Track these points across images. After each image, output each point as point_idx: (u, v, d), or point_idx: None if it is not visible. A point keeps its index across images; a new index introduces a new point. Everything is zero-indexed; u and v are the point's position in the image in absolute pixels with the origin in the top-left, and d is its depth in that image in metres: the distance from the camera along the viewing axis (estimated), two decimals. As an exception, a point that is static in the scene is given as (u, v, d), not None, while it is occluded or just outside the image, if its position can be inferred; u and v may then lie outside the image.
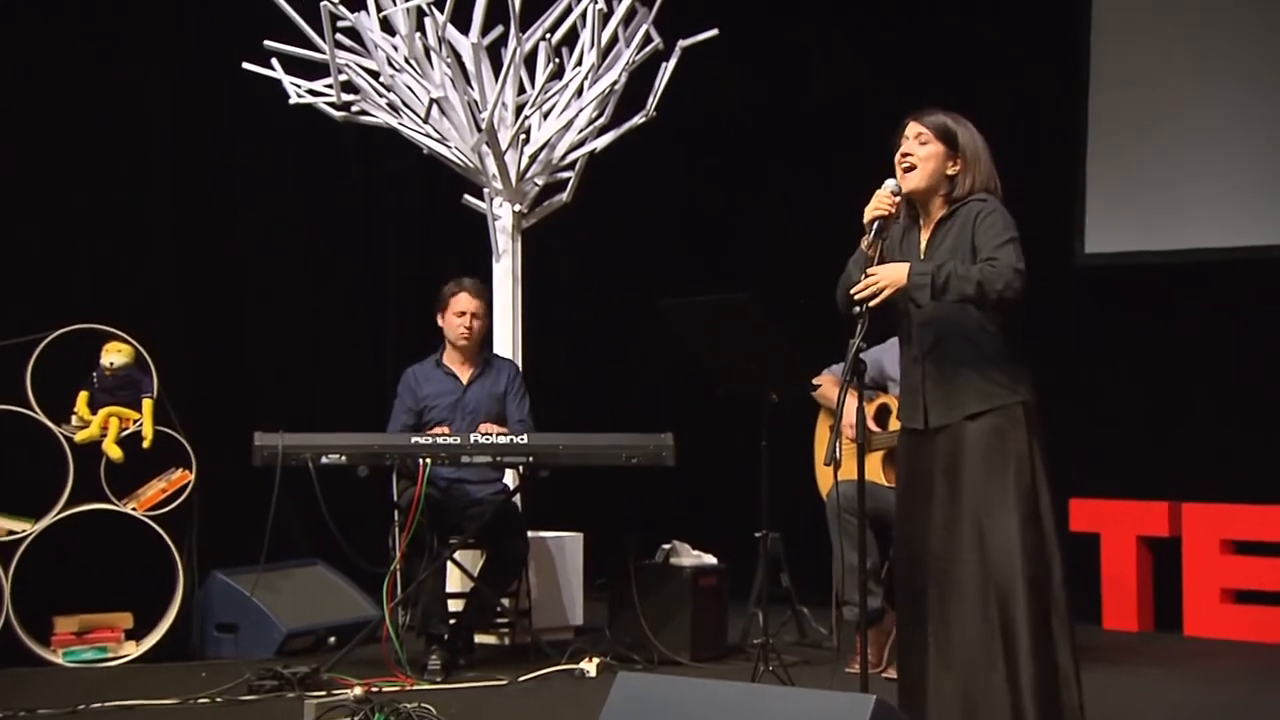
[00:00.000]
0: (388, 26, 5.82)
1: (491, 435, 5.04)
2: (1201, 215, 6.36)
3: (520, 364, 5.84)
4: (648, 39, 5.92)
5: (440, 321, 5.51)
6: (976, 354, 3.58)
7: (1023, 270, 3.48)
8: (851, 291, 3.54)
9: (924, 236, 3.69)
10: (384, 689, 4.68)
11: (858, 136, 6.47)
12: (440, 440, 5.00)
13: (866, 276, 3.53)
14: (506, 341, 5.94)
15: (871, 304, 3.52)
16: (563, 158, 6.02)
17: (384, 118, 5.88)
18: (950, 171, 3.64)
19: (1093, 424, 6.46)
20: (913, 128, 3.66)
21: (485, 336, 5.62)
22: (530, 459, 5.03)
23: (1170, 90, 6.43)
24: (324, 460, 4.87)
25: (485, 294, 5.55)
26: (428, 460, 4.92)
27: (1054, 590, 3.49)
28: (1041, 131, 6.52)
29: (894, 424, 5.08)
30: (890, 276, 3.53)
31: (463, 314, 5.45)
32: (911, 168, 3.63)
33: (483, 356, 5.55)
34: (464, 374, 5.51)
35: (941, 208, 3.66)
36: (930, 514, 3.55)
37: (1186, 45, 6.40)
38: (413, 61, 5.79)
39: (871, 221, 3.59)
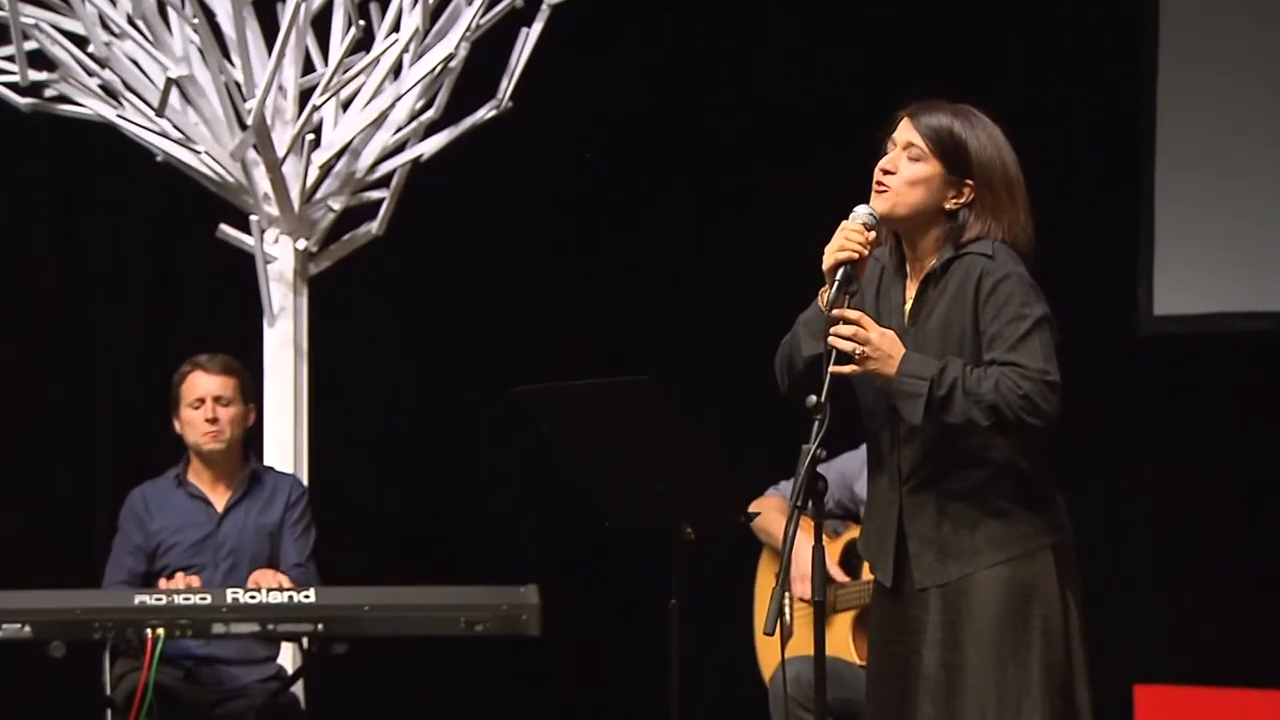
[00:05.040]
0: (103, -29, 5.84)
1: (261, 591, 5.01)
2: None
3: (305, 479, 5.82)
4: (500, -8, 6.00)
5: (177, 426, 5.52)
6: (985, 475, 3.63)
7: (1056, 381, 3.55)
8: (829, 332, 3.56)
9: (911, 294, 3.75)
10: None
11: (819, 144, 6.57)
12: (181, 599, 4.95)
13: (846, 324, 3.56)
14: (284, 446, 5.92)
15: (843, 371, 3.55)
16: (371, 169, 6.04)
17: (95, 107, 5.86)
18: (950, 205, 3.70)
19: (1165, 572, 6.54)
20: (906, 132, 3.71)
21: (249, 440, 5.62)
22: (319, 627, 4.97)
23: (1267, 94, 6.64)
24: (-2, 632, 4.82)
25: (238, 371, 5.56)
26: (159, 631, 4.85)
27: None
28: (1091, 150, 6.67)
29: (869, 571, 5.10)
30: (886, 347, 3.58)
31: (200, 402, 5.45)
32: (884, 191, 3.68)
33: (247, 470, 5.55)
34: (218, 497, 5.51)
35: (935, 251, 3.72)
36: (915, 711, 3.59)
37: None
38: (140, 23, 5.79)
39: (835, 267, 3.64)
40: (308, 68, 5.99)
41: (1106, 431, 6.37)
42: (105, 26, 5.80)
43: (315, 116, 5.85)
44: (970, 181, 3.69)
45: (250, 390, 5.64)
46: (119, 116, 5.85)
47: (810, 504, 3.57)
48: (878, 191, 3.69)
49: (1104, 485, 6.41)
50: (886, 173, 3.69)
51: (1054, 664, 3.57)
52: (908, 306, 3.74)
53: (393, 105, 5.95)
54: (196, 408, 5.45)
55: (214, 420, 5.45)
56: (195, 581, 5.25)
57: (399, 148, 6.05)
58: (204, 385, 5.45)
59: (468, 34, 5.92)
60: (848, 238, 3.64)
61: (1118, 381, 6.49)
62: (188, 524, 5.46)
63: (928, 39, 6.97)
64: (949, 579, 3.63)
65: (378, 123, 5.96)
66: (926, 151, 3.68)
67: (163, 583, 5.28)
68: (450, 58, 5.91)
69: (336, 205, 6.04)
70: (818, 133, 6.81)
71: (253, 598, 4.96)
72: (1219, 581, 6.53)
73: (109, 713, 5.15)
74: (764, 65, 7.31)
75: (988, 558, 3.61)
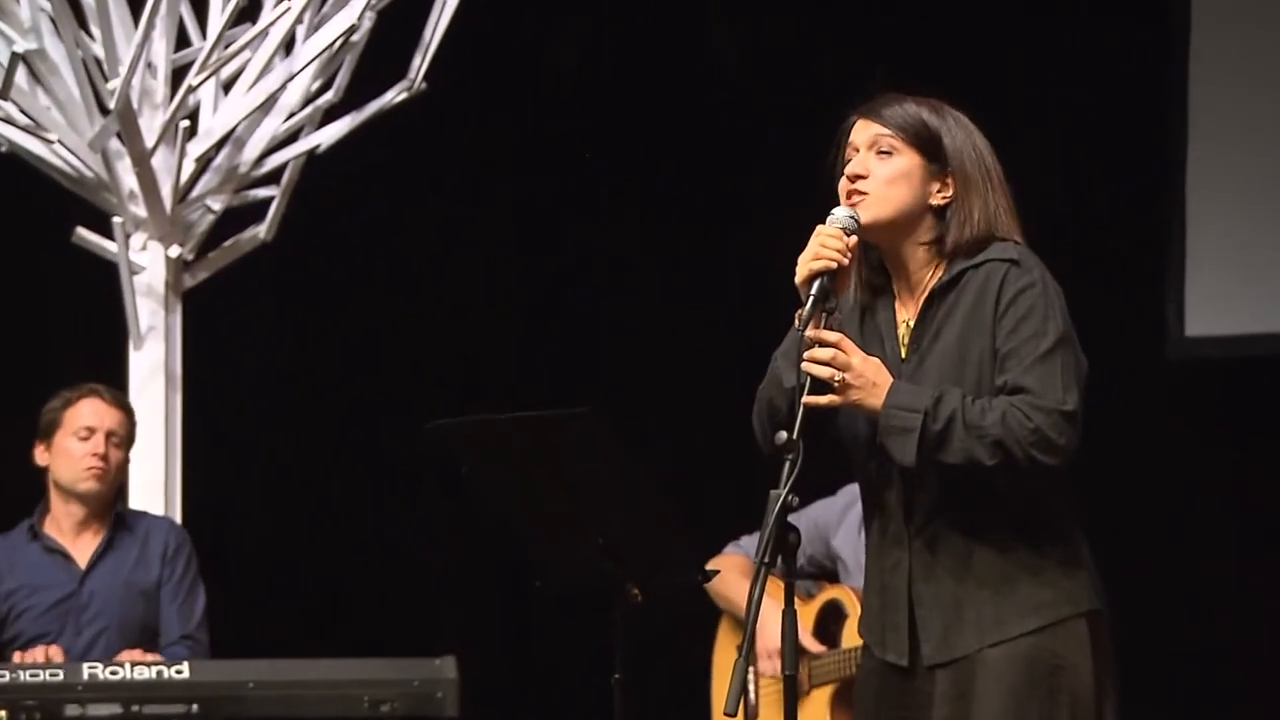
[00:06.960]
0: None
1: (125, 665, 5.02)
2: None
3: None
4: (410, -47, 6.02)
5: (42, 458, 5.54)
6: (1008, 533, 3.63)
7: (1073, 412, 3.55)
8: (803, 357, 3.55)
9: (903, 318, 3.75)
10: None
11: (804, 144, 6.55)
12: (27, 675, 4.93)
13: (821, 346, 3.56)
14: (153, 489, 5.94)
15: (820, 402, 3.54)
16: (258, 163, 6.05)
17: (-73, 88, 5.86)
18: (936, 201, 3.71)
19: (1201, 638, 6.57)
20: (866, 130, 3.72)
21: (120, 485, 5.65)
22: (194, 708, 4.98)
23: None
24: None
25: (131, 410, 5.60)
26: (1, 713, 4.83)
27: None
28: (1115, 154, 6.72)
29: (850, 636, 5.06)
30: (870, 375, 3.58)
31: (89, 432, 5.45)
32: (862, 197, 3.67)
33: (113, 515, 5.57)
34: (80, 549, 5.52)
35: (930, 266, 3.72)
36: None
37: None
38: (-18, -11, 5.81)
39: (810, 279, 3.63)
40: (182, 42, 5.99)
41: (1129, 469, 6.38)
42: (-61, -7, 5.81)
43: (191, 100, 5.87)
44: (949, 171, 3.70)
45: (131, 428, 5.66)
46: (-46, 100, 5.85)
47: (780, 560, 3.54)
48: (852, 201, 3.67)
49: (1128, 530, 6.41)
50: (857, 177, 3.68)
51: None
52: (902, 331, 3.73)
53: (283, 87, 5.96)
54: (84, 438, 5.45)
55: (103, 457, 5.45)
56: (57, 654, 5.24)
57: (291, 137, 6.06)
58: (98, 416, 5.47)
59: (372, 2, 5.93)
60: (824, 244, 3.63)
61: (1142, 412, 6.51)
62: (46, 584, 5.47)
63: (937, 44, 7.03)
64: (965, 652, 3.62)
65: (266, 108, 5.98)
66: (899, 143, 3.70)
67: (17, 656, 5.27)
68: (352, 30, 5.93)
69: (216, 205, 6.05)
70: (802, 132, 6.81)
71: (114, 673, 4.97)
72: (1264, 646, 6.56)
73: (-58, 813, 5.10)
74: (726, 39, 7.31)
75: (1011, 627, 3.61)
